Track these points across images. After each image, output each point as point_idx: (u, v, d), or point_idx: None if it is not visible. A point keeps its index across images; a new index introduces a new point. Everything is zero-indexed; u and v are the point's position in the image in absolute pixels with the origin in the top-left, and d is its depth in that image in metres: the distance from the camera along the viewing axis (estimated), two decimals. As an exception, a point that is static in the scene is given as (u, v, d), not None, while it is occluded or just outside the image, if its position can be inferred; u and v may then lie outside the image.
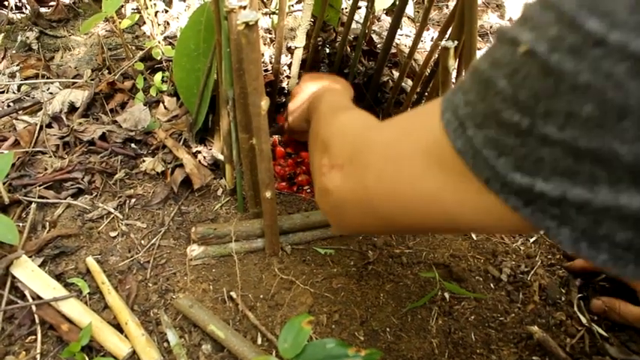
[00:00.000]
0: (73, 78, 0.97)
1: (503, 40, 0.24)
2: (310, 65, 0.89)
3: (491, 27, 1.32)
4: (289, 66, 0.86)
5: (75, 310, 0.58)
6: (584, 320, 0.62)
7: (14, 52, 1.03)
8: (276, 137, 0.87)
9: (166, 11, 1.07)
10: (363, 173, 0.36)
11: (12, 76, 0.97)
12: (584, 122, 0.20)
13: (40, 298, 0.59)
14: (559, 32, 0.21)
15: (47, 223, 0.69)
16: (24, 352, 0.55)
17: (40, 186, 0.74)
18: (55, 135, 0.83)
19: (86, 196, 0.74)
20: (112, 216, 0.72)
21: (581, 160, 0.21)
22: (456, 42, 0.49)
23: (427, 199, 0.31)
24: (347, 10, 0.98)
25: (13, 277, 0.61)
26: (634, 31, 0.18)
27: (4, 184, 0.70)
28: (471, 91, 0.26)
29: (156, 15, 1.02)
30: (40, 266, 0.63)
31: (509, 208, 0.25)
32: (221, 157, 0.77)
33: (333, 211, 0.43)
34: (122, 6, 1.10)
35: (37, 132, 0.82)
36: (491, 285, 0.67)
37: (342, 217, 0.42)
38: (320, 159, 0.45)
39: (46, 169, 0.77)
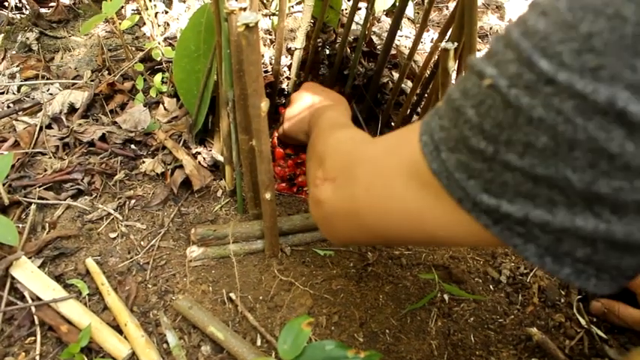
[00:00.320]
0: (72, 79, 0.97)
1: (473, 72, 0.26)
2: (310, 66, 0.89)
3: (490, 28, 1.32)
4: (289, 67, 0.86)
5: (74, 311, 0.58)
6: (583, 322, 0.62)
7: (14, 52, 1.03)
8: (275, 138, 0.87)
9: (166, 12, 1.07)
10: (353, 186, 0.38)
11: (12, 76, 0.96)
12: (540, 152, 0.22)
13: (39, 299, 0.59)
14: (517, 70, 0.23)
15: (47, 224, 0.69)
16: (23, 354, 0.55)
17: (39, 187, 0.74)
18: (54, 136, 0.83)
19: (86, 197, 0.74)
20: (111, 217, 0.72)
21: (540, 185, 0.23)
22: (455, 43, 0.49)
23: (409, 215, 0.33)
24: (347, 11, 0.98)
25: (13, 278, 0.61)
26: (578, 72, 0.20)
27: (3, 185, 0.70)
28: (445, 117, 0.28)
29: (156, 16, 1.02)
30: (39, 267, 0.63)
31: (481, 225, 0.26)
32: (221, 158, 0.77)
33: (325, 222, 0.44)
34: (122, 7, 1.10)
35: (36, 133, 0.82)
36: (491, 287, 0.67)
37: (332, 228, 0.43)
38: (315, 171, 0.47)
39: (45, 170, 0.77)
